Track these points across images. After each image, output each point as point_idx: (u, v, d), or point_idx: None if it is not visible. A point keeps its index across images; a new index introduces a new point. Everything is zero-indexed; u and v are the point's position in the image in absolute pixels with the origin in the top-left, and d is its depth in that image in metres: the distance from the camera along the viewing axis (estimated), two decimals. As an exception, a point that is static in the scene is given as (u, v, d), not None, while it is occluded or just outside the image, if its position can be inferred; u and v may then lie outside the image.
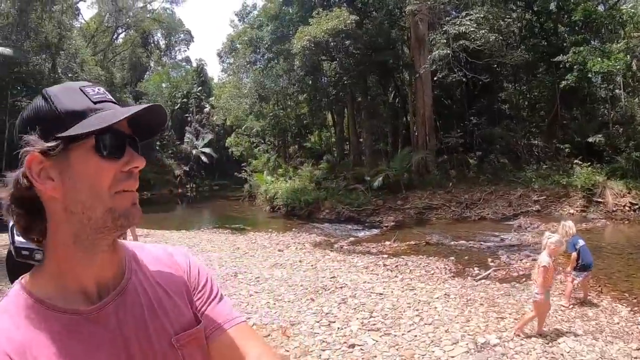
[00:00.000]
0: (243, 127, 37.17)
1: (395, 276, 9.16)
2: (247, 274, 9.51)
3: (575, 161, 20.42)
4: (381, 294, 7.76)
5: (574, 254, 6.85)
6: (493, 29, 19.80)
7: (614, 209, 18.03)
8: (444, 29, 20.05)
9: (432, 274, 9.46)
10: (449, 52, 19.55)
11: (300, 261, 10.82)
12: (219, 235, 16.37)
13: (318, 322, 6.49)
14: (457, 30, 19.26)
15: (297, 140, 36.06)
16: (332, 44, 22.37)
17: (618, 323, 6.61)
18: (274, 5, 30.04)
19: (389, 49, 24.55)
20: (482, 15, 19.34)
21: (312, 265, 10.33)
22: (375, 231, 16.49)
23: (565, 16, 23.02)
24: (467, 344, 5.58)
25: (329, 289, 8.16)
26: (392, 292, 7.90)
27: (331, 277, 9.04)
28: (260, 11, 33.66)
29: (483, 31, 19.17)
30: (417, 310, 6.88)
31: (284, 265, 10.38)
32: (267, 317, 6.73)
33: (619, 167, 19.88)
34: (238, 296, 7.86)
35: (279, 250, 12.56)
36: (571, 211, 18.25)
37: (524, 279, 9.02)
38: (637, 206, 18.08)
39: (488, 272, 9.49)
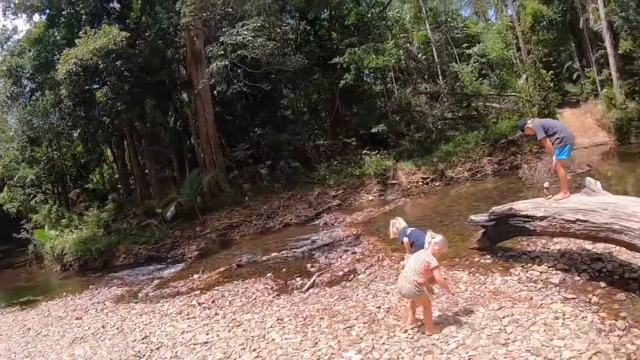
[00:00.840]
0: (15, 178, 31.62)
1: (216, 314, 7.87)
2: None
3: (364, 152, 21.38)
4: (206, 342, 6.53)
5: (406, 239, 6.67)
6: (270, 37, 19.61)
7: (409, 186, 19.25)
8: (220, 40, 19.26)
9: (254, 299, 8.40)
10: (227, 63, 18.83)
11: (103, 327, 8.83)
12: (6, 317, 12.71)
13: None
14: (235, 41, 18.68)
15: (78, 183, 32.27)
16: (101, 65, 19.20)
17: (466, 290, 6.59)
18: (39, 30, 25.30)
19: (164, 68, 22.75)
20: (258, 25, 19.01)
21: (118, 329, 8.48)
22: (180, 266, 14.57)
23: (337, 23, 24.28)
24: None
25: (143, 356, 6.65)
26: (217, 335, 6.70)
27: (143, 338, 7.46)
28: (24, 36, 27.78)
29: (261, 40, 18.84)
30: (255, 350, 5.87)
31: (86, 338, 8.38)
32: None
33: (404, 150, 21.50)
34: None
35: (77, 319, 10.10)
36: (370, 197, 18.95)
37: (351, 276, 8.61)
38: (428, 179, 19.57)
39: (312, 279, 8.77)
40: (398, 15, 29.14)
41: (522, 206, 7.41)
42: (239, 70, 20.97)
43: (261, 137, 23.96)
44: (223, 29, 20.00)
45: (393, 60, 22.36)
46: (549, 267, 6.97)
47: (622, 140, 22.22)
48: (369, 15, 23.57)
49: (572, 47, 35.88)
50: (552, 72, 26.80)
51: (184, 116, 26.45)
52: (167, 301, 9.77)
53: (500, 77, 27.51)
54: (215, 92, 21.93)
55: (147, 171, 26.26)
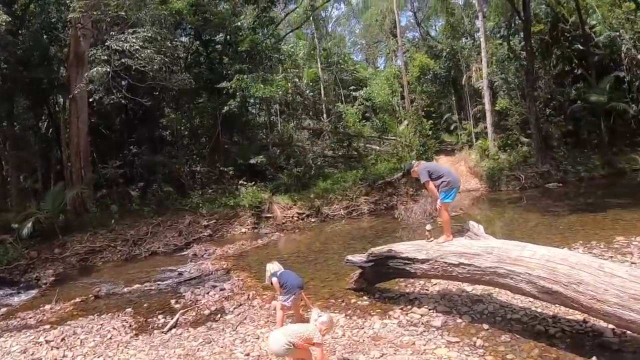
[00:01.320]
0: None
1: (64, 356, 6.87)
2: None
3: (240, 182, 20.90)
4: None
5: (275, 280, 6.57)
6: (160, 51, 18.48)
7: (284, 221, 19.16)
8: (106, 44, 17.67)
9: (110, 338, 7.47)
10: (109, 70, 17.17)
11: None
12: None
13: None
14: (121, 47, 17.29)
15: None
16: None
17: (343, 335, 6.43)
18: None
19: (44, 65, 20.67)
20: (149, 35, 17.75)
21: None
22: (33, 292, 12.52)
23: (231, 48, 24.05)
24: None
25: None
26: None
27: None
28: None
29: (149, 51, 17.68)
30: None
31: None
32: None
33: (282, 183, 21.52)
34: None
35: None
36: (243, 230, 18.56)
37: (219, 316, 8.12)
38: (304, 215, 19.64)
39: (176, 317, 8.14)
40: (292, 50, 29.56)
41: (403, 248, 7.48)
42: (122, 82, 19.63)
43: (136, 156, 22.46)
44: (111, 33, 18.41)
45: (280, 92, 22.42)
46: (430, 309, 7.05)
47: (493, 187, 24.53)
48: (263, 45, 23.47)
49: (453, 101, 38.65)
50: (431, 121, 28.73)
51: (57, 123, 24.02)
52: (11, 335, 8.21)
53: (383, 120, 28.68)
54: (93, 101, 20.18)
55: (8, 179, 23.56)
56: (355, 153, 26.97)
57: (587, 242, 10.54)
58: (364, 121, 30.37)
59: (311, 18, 31.47)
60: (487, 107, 29.06)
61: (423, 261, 7.01)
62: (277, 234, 17.49)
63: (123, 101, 19.79)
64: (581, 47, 29.81)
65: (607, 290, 4.90)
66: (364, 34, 51.46)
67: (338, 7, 43.67)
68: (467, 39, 37.67)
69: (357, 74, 35.78)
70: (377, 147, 28.19)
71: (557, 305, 6.05)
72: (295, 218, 19.69)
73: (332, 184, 21.91)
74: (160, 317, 8.45)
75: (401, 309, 7.26)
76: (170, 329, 7.70)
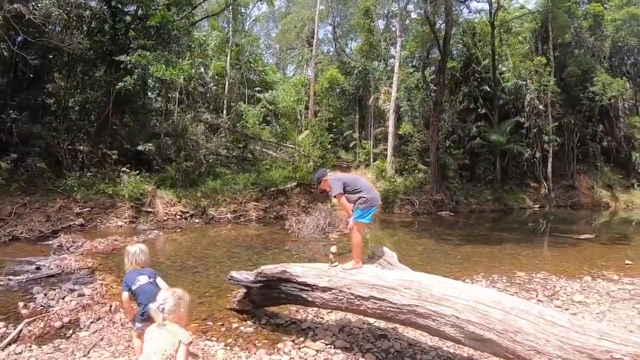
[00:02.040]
0: None
1: None
2: None
3: (123, 169, 19.35)
4: None
5: (125, 294, 4.89)
6: (59, 4, 16.60)
7: (165, 218, 18.01)
8: None
9: None
10: None
11: None
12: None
13: None
14: None
15: None
16: None
17: None
18: None
19: None
20: None
21: None
22: None
23: (140, 23, 22.24)
24: None
25: None
26: None
27: None
28: None
29: (47, 1, 15.83)
30: None
31: None
32: None
33: (168, 177, 20.18)
34: None
35: None
36: (119, 223, 17.23)
37: (71, 331, 6.80)
38: (188, 214, 18.55)
39: (19, 328, 6.71)
40: (204, 38, 28.26)
41: (300, 271, 6.38)
42: (18, 38, 17.57)
43: (14, 123, 19.65)
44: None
45: (182, 77, 21.11)
46: (327, 344, 6.18)
47: (386, 208, 25.00)
48: (175, 24, 21.81)
49: (356, 119, 39.13)
50: (332, 135, 28.74)
51: None
52: None
53: (284, 126, 28.23)
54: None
55: None
56: (251, 156, 26.29)
57: (488, 275, 10.62)
58: (264, 124, 29.78)
59: (230, 8, 30.46)
60: (391, 129, 29.90)
61: (325, 289, 6.00)
62: (157, 232, 16.24)
63: (13, 57, 17.59)
64: (489, 89, 32.17)
65: (549, 341, 4.38)
66: (279, 38, 51.08)
67: (259, 7, 42.93)
68: (380, 62, 38.46)
69: (266, 76, 35.07)
70: (274, 154, 27.69)
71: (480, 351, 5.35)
72: (179, 216, 18.62)
73: (222, 184, 21.05)
74: (0, 324, 6.93)
75: (293, 340, 6.34)
76: (10, 343, 6.34)
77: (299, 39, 45.68)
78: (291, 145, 27.41)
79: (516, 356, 4.57)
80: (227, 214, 19.76)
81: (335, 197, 6.42)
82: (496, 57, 32.16)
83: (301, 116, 31.59)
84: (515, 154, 32.92)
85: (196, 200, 19.41)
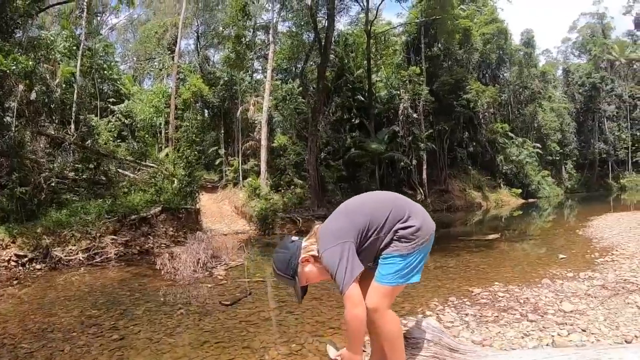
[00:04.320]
0: None
1: None
2: None
3: None
4: None
5: None
6: None
7: (-4, 266, 13.89)
8: None
9: None
10: None
11: None
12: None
13: None
14: None
15: None
16: None
17: None
18: None
19: None
20: None
21: None
22: None
23: None
24: None
25: None
26: None
27: None
28: None
29: None
30: None
31: None
32: None
33: (-2, 209, 15.84)
34: None
35: None
36: None
37: None
38: (25, 259, 14.50)
39: None
40: (52, 38, 23.97)
41: None
42: None
43: None
44: None
45: (16, 69, 16.90)
46: None
47: (265, 230, 22.91)
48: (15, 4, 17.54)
49: (221, 134, 36.96)
50: (195, 152, 26.05)
51: None
52: None
53: (144, 141, 24.87)
54: None
55: None
56: (104, 178, 22.48)
57: (444, 301, 8.36)
58: (119, 140, 26.19)
59: (85, 4, 26.43)
60: (264, 142, 27.85)
61: None
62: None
63: None
64: (363, 99, 33.08)
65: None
66: (137, 47, 47.04)
67: (118, 15, 39.46)
68: (247, 72, 36.84)
69: (122, 85, 31.33)
70: (132, 174, 24.17)
71: None
72: (13, 263, 14.23)
73: (69, 215, 16.95)
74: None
75: None
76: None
77: (159, 46, 42.25)
78: (152, 164, 24.15)
79: None
80: (77, 253, 15.80)
81: (342, 292, 3.16)
82: (371, 67, 32.75)
83: (161, 132, 28.51)
84: (393, 161, 33.92)
85: (36, 238, 15.20)
